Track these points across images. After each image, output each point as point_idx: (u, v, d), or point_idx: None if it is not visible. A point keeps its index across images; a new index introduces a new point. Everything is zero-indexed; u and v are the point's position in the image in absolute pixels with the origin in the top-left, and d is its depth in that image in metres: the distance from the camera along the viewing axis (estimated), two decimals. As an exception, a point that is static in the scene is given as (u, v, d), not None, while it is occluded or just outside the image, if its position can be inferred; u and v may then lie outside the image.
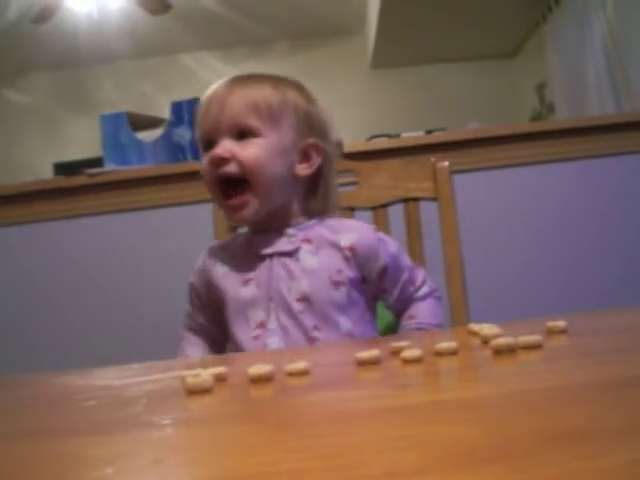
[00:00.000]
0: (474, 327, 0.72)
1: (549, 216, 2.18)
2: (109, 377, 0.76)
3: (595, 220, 2.17)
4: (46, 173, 6.02)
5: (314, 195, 1.12)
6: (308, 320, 1.02)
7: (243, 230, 1.16)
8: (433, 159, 1.33)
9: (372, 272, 1.07)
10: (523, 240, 2.18)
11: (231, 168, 1.02)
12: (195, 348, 1.12)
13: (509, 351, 0.58)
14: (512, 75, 6.45)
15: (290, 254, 1.05)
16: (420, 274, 1.13)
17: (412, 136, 2.47)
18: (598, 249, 2.16)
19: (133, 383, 0.67)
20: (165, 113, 2.39)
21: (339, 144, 1.17)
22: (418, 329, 1.08)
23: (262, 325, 1.03)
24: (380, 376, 0.58)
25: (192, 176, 2.18)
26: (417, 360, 0.58)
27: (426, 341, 0.82)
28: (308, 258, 1.05)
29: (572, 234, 2.17)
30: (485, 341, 0.63)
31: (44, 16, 4.88)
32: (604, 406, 0.37)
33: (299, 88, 1.11)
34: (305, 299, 1.03)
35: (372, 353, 0.60)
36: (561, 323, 0.67)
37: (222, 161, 1.02)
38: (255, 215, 1.04)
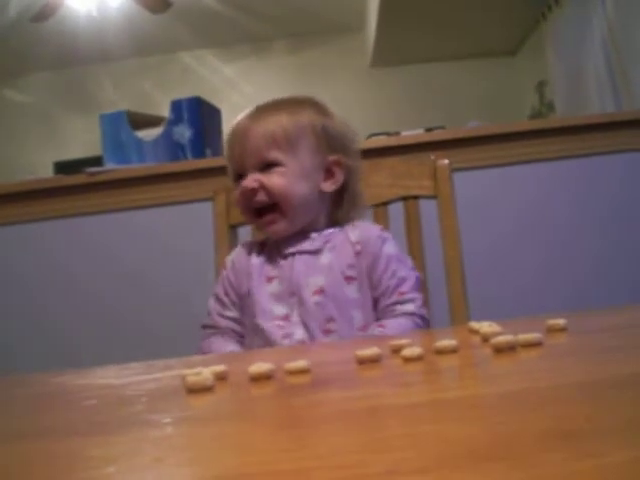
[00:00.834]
0: (474, 325, 0.72)
1: (549, 214, 2.18)
2: (109, 376, 0.76)
3: (595, 218, 2.17)
4: (46, 172, 6.02)
5: (340, 206, 1.19)
6: (325, 312, 1.08)
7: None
8: (433, 157, 1.33)
9: (369, 265, 1.12)
10: (523, 238, 2.18)
11: (261, 197, 1.11)
12: (231, 347, 1.13)
13: (509, 349, 0.58)
14: (512, 73, 6.45)
15: (311, 253, 1.13)
16: (409, 287, 1.13)
17: (412, 134, 2.47)
18: (598, 246, 2.16)
19: (133, 382, 0.67)
20: (165, 111, 2.39)
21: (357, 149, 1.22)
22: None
23: (286, 318, 1.10)
24: (380, 374, 0.58)
25: (192, 174, 2.19)
26: (417, 358, 0.58)
27: (426, 339, 0.82)
28: (326, 255, 1.13)
29: (572, 232, 2.17)
30: (485, 339, 0.63)
31: (44, 15, 4.88)
32: (604, 404, 0.37)
33: (314, 106, 1.18)
34: (321, 292, 1.09)
35: (372, 351, 0.60)
36: (561, 321, 0.67)
37: (252, 192, 1.11)
38: (286, 230, 1.13)
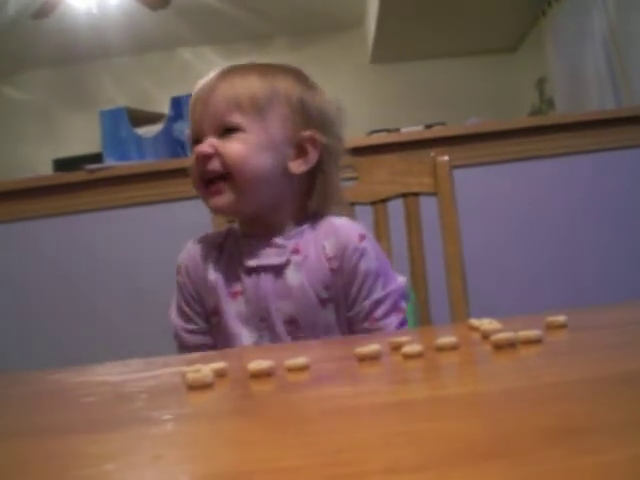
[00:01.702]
0: (474, 322, 0.72)
1: (549, 211, 2.18)
2: (108, 373, 0.76)
3: (595, 214, 2.17)
4: (46, 169, 6.01)
5: (313, 195, 1.04)
6: (297, 340, 0.99)
7: (234, 226, 1.11)
8: (433, 154, 1.33)
9: (345, 283, 1.00)
10: (523, 235, 2.18)
11: (214, 165, 0.98)
12: None
13: (509, 346, 0.58)
14: (512, 70, 6.44)
15: (277, 269, 1.00)
16: (383, 312, 1.00)
17: (412, 131, 2.47)
18: (598, 243, 2.16)
19: (133, 379, 0.67)
20: (165, 108, 2.39)
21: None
22: None
23: (256, 345, 1.00)
24: (380, 371, 0.58)
25: (192, 172, 2.18)
26: (417, 355, 0.58)
27: (426, 336, 0.82)
28: (294, 275, 0.99)
29: (572, 228, 2.17)
30: (485, 336, 0.63)
31: (43, 12, 4.88)
32: (604, 401, 0.37)
33: (295, 75, 1.05)
34: (292, 321, 0.99)
35: (372, 348, 0.60)
36: (561, 318, 0.67)
37: (206, 158, 0.98)
38: (232, 207, 1.00)
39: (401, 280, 1.05)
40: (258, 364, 0.57)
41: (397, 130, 2.84)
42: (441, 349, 0.61)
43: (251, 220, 1.04)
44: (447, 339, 0.61)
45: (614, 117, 2.21)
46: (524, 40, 6.19)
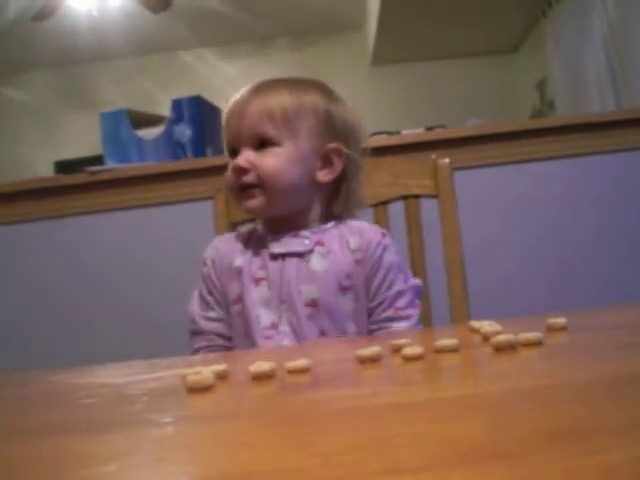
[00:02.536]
0: (475, 324, 0.72)
1: (549, 212, 2.18)
2: (110, 375, 0.76)
3: (596, 216, 2.17)
4: (47, 171, 6.02)
5: (336, 199, 1.12)
6: (317, 325, 1.02)
7: (258, 227, 1.16)
8: (433, 156, 1.33)
9: (368, 274, 1.06)
10: (524, 237, 2.17)
11: (249, 177, 1.05)
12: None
13: (510, 348, 0.58)
14: (512, 72, 6.44)
15: (301, 255, 1.06)
16: (405, 303, 1.06)
17: (412, 133, 2.46)
18: (599, 246, 2.15)
19: (134, 381, 0.67)
20: (165, 110, 2.39)
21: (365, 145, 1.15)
22: None
23: (274, 327, 1.03)
24: (381, 373, 0.58)
25: (193, 173, 2.18)
26: (418, 357, 0.58)
27: (427, 338, 0.82)
28: (318, 261, 1.05)
29: (572, 230, 2.17)
30: (486, 338, 0.63)
31: (44, 14, 4.88)
32: (605, 403, 0.37)
33: (322, 89, 1.12)
34: (313, 304, 1.03)
35: (373, 350, 0.60)
36: (561, 320, 0.67)
37: (242, 171, 1.05)
38: (263, 209, 1.07)
39: (418, 281, 1.12)
40: (259, 366, 0.57)
41: (398, 132, 2.84)
42: (441, 351, 0.61)
43: (278, 221, 1.10)
44: (447, 341, 0.61)
45: (615, 119, 2.21)
46: (524, 42, 6.19)
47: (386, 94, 6.42)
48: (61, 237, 2.24)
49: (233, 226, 1.35)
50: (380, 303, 1.05)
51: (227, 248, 1.12)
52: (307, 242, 1.06)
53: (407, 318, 1.05)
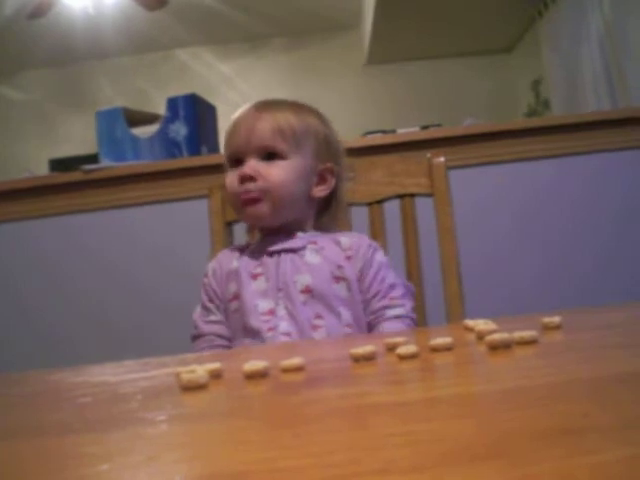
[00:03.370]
0: (469, 323, 0.72)
1: (545, 211, 2.19)
2: (104, 373, 0.76)
3: (591, 215, 2.17)
4: (42, 169, 6.01)
5: (326, 214, 1.22)
6: (312, 309, 1.09)
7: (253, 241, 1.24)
8: (429, 155, 1.33)
9: (360, 270, 1.13)
10: (519, 236, 2.18)
11: (256, 186, 1.12)
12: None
13: (504, 347, 0.58)
14: (508, 71, 6.45)
15: (296, 251, 1.14)
16: (399, 294, 1.14)
17: (408, 132, 2.46)
18: (594, 244, 2.16)
19: (128, 379, 0.67)
20: (161, 109, 2.38)
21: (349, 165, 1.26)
22: None
23: (271, 313, 1.10)
24: (375, 372, 0.58)
25: (188, 172, 2.18)
26: (412, 356, 0.58)
27: (421, 337, 0.82)
28: (312, 256, 1.13)
29: (567, 229, 2.17)
30: (480, 337, 0.63)
31: (39, 12, 4.87)
32: (599, 402, 0.37)
33: (317, 114, 1.22)
34: (309, 291, 1.10)
35: (367, 349, 0.60)
36: (556, 319, 0.68)
37: (249, 178, 1.12)
38: (266, 217, 1.14)
39: (409, 283, 1.22)
40: (253, 365, 0.57)
41: (393, 131, 2.84)
42: (436, 350, 0.61)
43: (274, 230, 1.17)
44: (442, 340, 0.61)
45: (610, 118, 2.22)
46: (520, 41, 6.20)
47: (381, 93, 6.42)
48: (55, 236, 2.23)
49: (228, 225, 1.35)
50: (374, 295, 1.13)
51: (226, 257, 1.19)
52: (301, 240, 1.15)
53: (402, 305, 1.13)
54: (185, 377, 0.54)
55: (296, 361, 0.58)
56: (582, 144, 2.18)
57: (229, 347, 1.13)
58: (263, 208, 1.12)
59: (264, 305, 1.10)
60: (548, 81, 5.37)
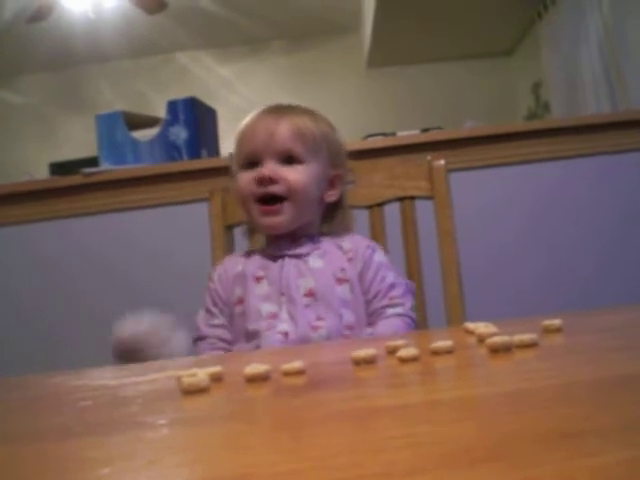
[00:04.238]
0: (470, 326, 0.72)
1: (545, 214, 2.18)
2: (104, 377, 0.76)
3: (591, 218, 2.17)
4: (42, 173, 6.00)
5: (331, 219, 1.24)
6: (313, 312, 1.10)
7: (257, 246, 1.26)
8: (429, 158, 1.33)
9: (361, 271, 1.15)
10: (519, 238, 2.18)
11: (277, 188, 1.12)
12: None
13: (505, 350, 0.58)
14: (508, 74, 6.45)
15: (300, 256, 1.15)
16: (399, 293, 1.15)
17: (408, 135, 2.46)
18: (594, 247, 2.16)
19: (129, 383, 0.67)
20: (161, 112, 2.39)
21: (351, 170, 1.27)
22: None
23: (274, 316, 1.11)
24: (376, 375, 0.58)
25: (188, 175, 2.18)
26: (413, 359, 0.58)
27: (422, 340, 0.82)
28: (315, 261, 1.15)
29: (568, 232, 2.17)
30: (481, 340, 0.63)
31: (39, 16, 4.87)
32: (600, 405, 0.37)
33: (328, 122, 1.23)
34: (311, 294, 1.11)
35: (368, 352, 0.60)
36: (557, 322, 0.67)
37: (270, 181, 1.12)
38: (285, 225, 1.14)
39: (409, 281, 1.23)
40: (254, 368, 0.57)
41: (393, 134, 2.84)
42: (437, 353, 0.61)
43: (282, 236, 1.18)
44: (443, 343, 0.61)
45: (610, 121, 2.22)
46: (520, 44, 6.20)
47: (382, 96, 6.42)
48: (56, 239, 2.23)
49: (228, 228, 1.35)
50: (375, 295, 1.14)
51: (232, 261, 1.21)
52: (305, 246, 1.16)
53: (402, 304, 1.14)
54: (186, 380, 0.54)
55: (297, 364, 0.58)
56: (583, 147, 2.18)
57: (230, 350, 1.13)
58: (282, 219, 1.13)
59: (267, 308, 1.11)
60: (548, 84, 5.36)
